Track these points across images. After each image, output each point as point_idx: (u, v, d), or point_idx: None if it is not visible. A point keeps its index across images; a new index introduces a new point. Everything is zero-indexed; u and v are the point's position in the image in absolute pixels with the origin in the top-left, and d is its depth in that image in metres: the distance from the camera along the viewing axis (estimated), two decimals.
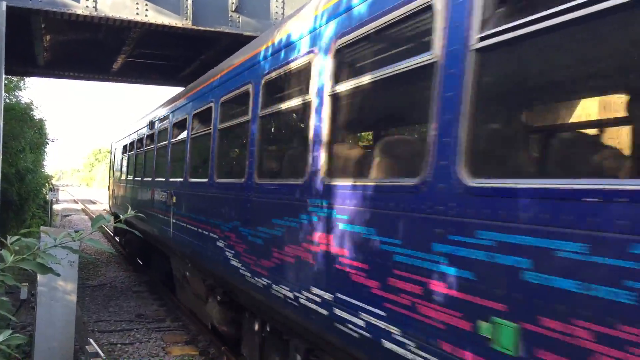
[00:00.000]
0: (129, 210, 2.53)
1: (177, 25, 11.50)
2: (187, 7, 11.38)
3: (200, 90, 9.07)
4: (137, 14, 11.11)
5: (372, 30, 4.14)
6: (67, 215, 39.88)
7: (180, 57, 16.16)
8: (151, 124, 13.21)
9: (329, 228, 4.40)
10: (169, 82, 19.35)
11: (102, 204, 49.39)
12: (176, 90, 13.89)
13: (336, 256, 4.25)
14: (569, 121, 4.75)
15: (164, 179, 11.38)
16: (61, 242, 2.46)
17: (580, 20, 2.53)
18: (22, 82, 22.79)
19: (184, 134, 10.16)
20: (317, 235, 4.58)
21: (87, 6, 10.72)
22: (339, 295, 4.20)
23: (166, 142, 11.42)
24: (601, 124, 4.57)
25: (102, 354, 7.87)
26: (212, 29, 11.84)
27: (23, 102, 22.70)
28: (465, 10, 3.13)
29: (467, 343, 2.98)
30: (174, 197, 10.18)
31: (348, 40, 4.39)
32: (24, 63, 16.92)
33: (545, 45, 3.16)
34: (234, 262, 6.67)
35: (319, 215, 4.57)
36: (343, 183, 4.32)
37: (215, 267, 7.56)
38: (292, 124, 6.73)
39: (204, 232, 7.99)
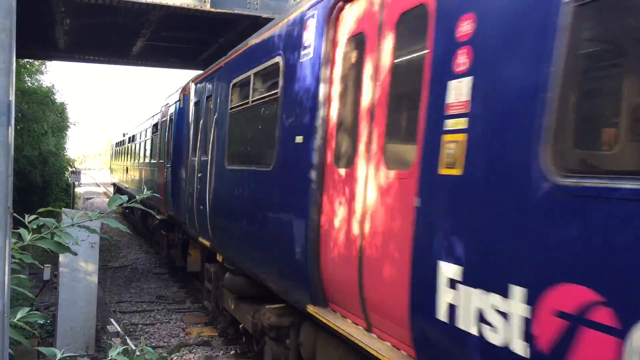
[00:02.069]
0: (145, 191, 2.53)
1: (195, 8, 11.47)
2: None
3: None
4: None
5: None
6: (90, 199, 40.41)
7: (199, 40, 16.14)
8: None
9: None
10: (187, 65, 19.38)
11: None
12: (194, 73, 13.85)
13: None
14: None
15: None
16: (78, 222, 2.47)
17: None
18: (43, 66, 23.01)
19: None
20: None
21: None
22: None
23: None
24: None
25: (123, 334, 7.99)
26: (231, 12, 11.80)
27: (45, 85, 22.94)
28: None
29: None
30: None
31: None
32: (45, 47, 17.05)
33: None
34: None
35: None
36: None
37: None
38: None
39: None
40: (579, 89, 2.86)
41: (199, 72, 10.91)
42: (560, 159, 2.66)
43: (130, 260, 16.41)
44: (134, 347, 2.90)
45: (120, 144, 28.07)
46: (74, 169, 29.25)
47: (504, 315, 2.83)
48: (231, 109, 7.65)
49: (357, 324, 4.44)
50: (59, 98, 25.05)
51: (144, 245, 19.35)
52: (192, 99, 10.69)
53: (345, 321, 4.55)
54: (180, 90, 12.21)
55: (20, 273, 2.58)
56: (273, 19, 7.26)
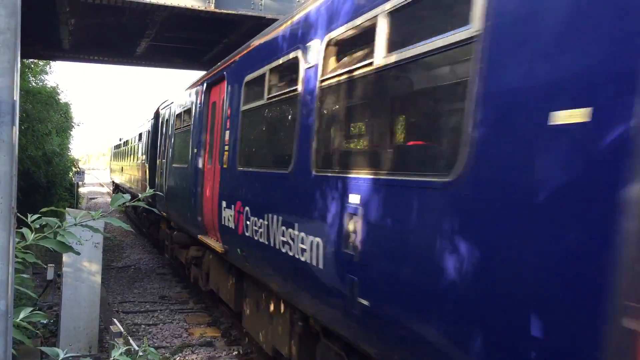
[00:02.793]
0: (148, 189, 2.52)
1: (200, 9, 11.48)
2: None
3: None
4: None
5: None
6: (93, 198, 40.50)
7: (203, 40, 16.16)
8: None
9: None
10: (191, 66, 19.39)
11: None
12: (199, 74, 13.88)
13: None
14: None
15: None
16: (81, 221, 2.46)
17: None
18: (47, 66, 23.06)
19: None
20: None
21: None
22: None
23: None
24: None
25: (126, 334, 7.99)
26: (235, 12, 11.80)
27: (49, 86, 22.99)
28: None
29: None
30: None
31: None
32: (50, 47, 17.09)
33: None
34: None
35: None
36: None
37: None
38: None
39: None
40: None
41: (203, 72, 10.98)
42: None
43: (133, 260, 16.43)
44: (136, 348, 2.89)
45: (117, 147, 34.62)
46: (78, 169, 29.31)
47: (232, 215, 7.28)
48: (176, 129, 12.22)
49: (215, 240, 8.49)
50: (63, 98, 25.12)
51: (147, 245, 19.37)
52: (160, 119, 15.35)
53: (211, 238, 8.75)
54: (154, 111, 16.94)
55: (23, 273, 2.57)
56: (277, 19, 7.25)
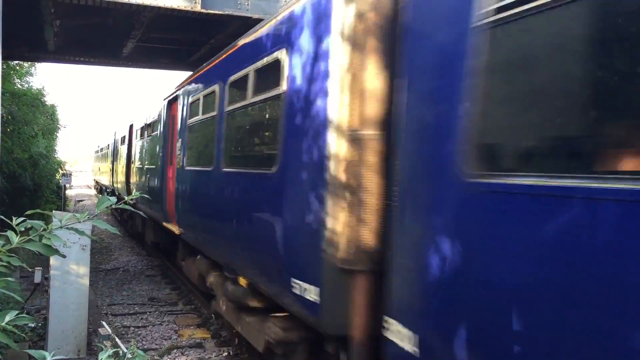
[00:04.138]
0: (134, 192, 2.52)
1: (186, 9, 11.43)
2: None
3: None
4: None
5: None
6: (81, 201, 40.21)
7: (190, 41, 16.09)
8: None
9: None
10: (178, 66, 19.31)
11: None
12: (185, 74, 13.85)
13: None
14: None
15: None
16: (67, 224, 2.45)
17: None
18: (33, 67, 22.87)
19: None
20: None
21: None
22: None
23: None
24: None
25: (115, 337, 7.95)
26: (221, 13, 11.76)
27: (35, 88, 22.80)
28: None
29: None
30: None
31: None
32: (35, 48, 16.94)
33: None
34: None
35: None
36: None
37: None
38: None
39: None
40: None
41: (190, 72, 10.99)
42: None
43: (122, 263, 16.34)
44: (125, 350, 2.88)
45: (97, 152, 44.11)
46: (65, 172, 29.10)
47: (182, 204, 10.41)
48: (148, 136, 15.27)
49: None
50: (49, 100, 24.93)
51: (136, 247, 19.27)
52: (134, 129, 19.02)
53: (174, 225, 10.71)
54: (128, 125, 20.58)
55: (8, 276, 2.55)
56: (263, 19, 7.31)
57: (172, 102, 11.96)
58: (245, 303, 6.71)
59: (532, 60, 2.94)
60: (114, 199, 2.49)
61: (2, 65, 10.29)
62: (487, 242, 2.99)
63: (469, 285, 3.13)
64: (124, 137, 21.22)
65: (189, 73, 11.28)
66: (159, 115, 13.38)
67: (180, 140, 10.45)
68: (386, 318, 3.88)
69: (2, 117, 14.85)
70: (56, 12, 12.99)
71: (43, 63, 22.21)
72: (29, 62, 22.21)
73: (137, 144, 17.45)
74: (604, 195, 2.41)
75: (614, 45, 2.58)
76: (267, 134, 6.47)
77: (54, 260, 7.94)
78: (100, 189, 37.67)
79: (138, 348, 5.38)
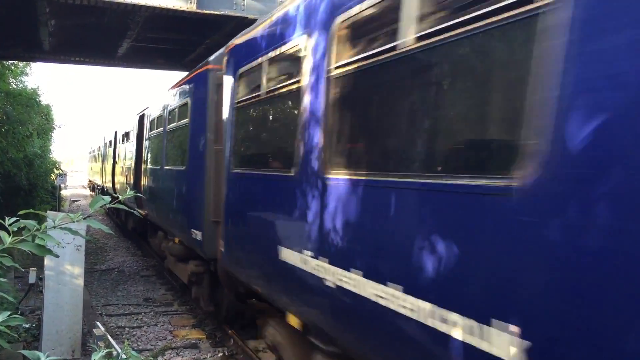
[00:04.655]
0: (128, 190, 2.51)
1: (182, 9, 11.40)
2: None
3: None
4: None
5: None
6: (76, 201, 40.10)
7: (186, 41, 16.06)
8: None
9: None
10: (174, 66, 19.27)
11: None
12: (181, 75, 13.85)
13: None
14: None
15: None
16: (60, 224, 2.44)
17: None
18: (28, 67, 22.79)
19: None
20: None
21: None
22: None
23: None
24: None
25: (109, 337, 7.92)
26: (217, 12, 11.74)
27: (30, 87, 22.73)
28: None
29: None
30: None
31: None
32: (30, 48, 16.88)
33: None
34: None
35: None
36: None
37: None
38: None
39: None
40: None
41: (186, 73, 10.98)
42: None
43: (117, 263, 16.29)
44: (119, 350, 2.87)
45: (90, 152, 47.52)
46: (60, 172, 29.01)
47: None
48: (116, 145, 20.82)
49: None
50: (44, 100, 24.84)
51: (131, 247, 19.23)
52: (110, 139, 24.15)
53: (143, 210, 13.83)
54: (113, 132, 23.80)
55: (1, 277, 2.54)
56: (258, 19, 7.32)
57: (142, 117, 15.74)
58: (177, 253, 10.61)
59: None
60: (107, 198, 2.48)
61: None
62: (233, 190, 7.04)
63: (229, 208, 7.18)
64: (111, 140, 24.80)
65: (185, 73, 11.26)
66: (133, 127, 17.45)
67: (148, 145, 14.18)
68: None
69: None
70: (51, 12, 12.95)
71: (38, 63, 22.11)
72: (24, 62, 22.12)
73: (120, 147, 21.15)
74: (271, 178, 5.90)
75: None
76: (182, 149, 10.19)
77: (48, 261, 7.92)
78: (93, 187, 41.36)
79: (133, 349, 5.35)
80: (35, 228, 2.38)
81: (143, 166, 14.71)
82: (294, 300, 5.13)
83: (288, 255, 4.98)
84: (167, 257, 11.77)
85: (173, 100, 11.42)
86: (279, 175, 5.56)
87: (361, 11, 4.02)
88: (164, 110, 12.38)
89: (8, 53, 16.63)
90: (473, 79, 3.22)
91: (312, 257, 4.49)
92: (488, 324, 2.65)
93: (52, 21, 13.87)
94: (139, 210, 14.11)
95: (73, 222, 2.46)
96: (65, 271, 7.97)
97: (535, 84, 2.57)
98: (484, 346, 2.67)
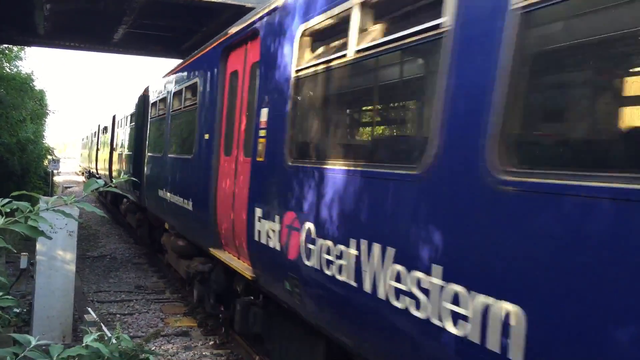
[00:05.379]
0: (122, 175, 2.50)
1: None
2: None
3: None
4: None
5: None
6: (69, 187, 39.93)
7: (182, 28, 16.00)
8: None
9: None
10: (170, 54, 19.20)
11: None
12: (176, 62, 13.79)
13: None
14: None
15: None
16: (53, 206, 2.42)
17: None
18: (22, 52, 22.63)
19: None
20: None
21: None
22: None
23: None
24: None
25: (100, 323, 7.92)
26: (214, 0, 11.69)
27: (24, 72, 22.57)
28: None
29: None
30: None
31: None
32: (24, 32, 16.77)
33: None
34: None
35: None
36: None
37: None
38: None
39: None
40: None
41: (180, 60, 10.92)
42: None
43: (109, 250, 16.26)
44: (110, 335, 2.87)
45: (83, 139, 48.17)
46: (53, 157, 28.88)
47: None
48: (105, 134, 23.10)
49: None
50: (38, 85, 24.69)
51: (123, 235, 19.19)
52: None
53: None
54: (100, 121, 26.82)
55: None
56: (255, 7, 7.17)
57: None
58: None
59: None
60: (101, 182, 2.46)
61: None
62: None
63: (149, 180, 11.88)
64: (106, 127, 23.85)
65: (180, 61, 11.20)
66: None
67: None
68: None
69: None
70: None
71: (33, 47, 21.95)
72: (18, 46, 21.96)
73: (118, 132, 19.81)
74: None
75: None
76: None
77: (40, 246, 7.88)
78: (90, 174, 39.92)
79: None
80: (28, 210, 2.36)
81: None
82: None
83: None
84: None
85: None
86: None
87: None
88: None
89: (2, 36, 16.52)
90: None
91: None
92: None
93: (48, 5, 13.76)
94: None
95: (66, 204, 2.45)
96: (57, 257, 7.94)
97: (193, 128, 7.10)
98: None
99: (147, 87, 13.84)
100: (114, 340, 2.79)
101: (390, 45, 3.84)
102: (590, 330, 2.34)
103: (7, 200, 2.34)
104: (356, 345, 4.27)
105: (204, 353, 8.15)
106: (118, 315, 9.83)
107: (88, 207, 2.38)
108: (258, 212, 5.76)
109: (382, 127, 5.66)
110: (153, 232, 13.98)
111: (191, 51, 11.41)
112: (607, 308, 2.28)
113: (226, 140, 7.38)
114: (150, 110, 13.16)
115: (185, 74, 9.83)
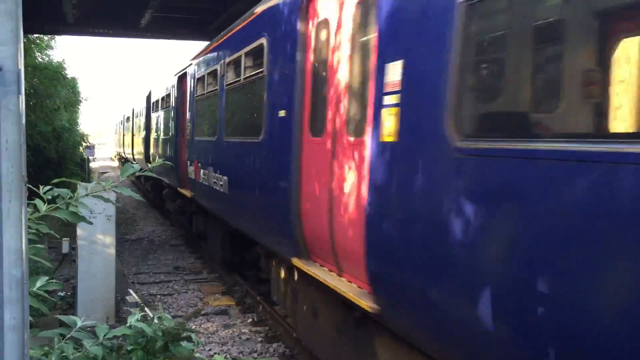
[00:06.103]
0: (157, 160, 2.53)
1: None
2: None
3: None
4: None
5: None
6: (105, 172, 40.71)
7: (208, 10, 16.01)
8: None
9: None
10: (196, 36, 19.24)
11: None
12: (203, 44, 13.82)
13: None
14: None
15: None
16: (92, 192, 2.48)
17: None
18: (53, 41, 22.96)
19: None
20: None
21: None
22: None
23: None
24: None
25: (142, 304, 8.11)
26: None
27: (55, 61, 22.92)
28: None
29: None
30: None
31: None
32: (54, 21, 17.01)
33: None
34: None
35: None
36: None
37: None
38: None
39: None
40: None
41: (207, 42, 10.91)
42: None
43: (146, 233, 16.59)
44: (152, 315, 2.94)
45: (118, 125, 47.26)
46: (88, 144, 29.41)
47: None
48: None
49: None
50: (69, 73, 25.07)
51: (159, 217, 19.53)
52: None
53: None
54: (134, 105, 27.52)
55: (37, 244, 2.61)
56: None
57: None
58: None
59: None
60: (137, 167, 2.51)
61: (22, 39, 10.31)
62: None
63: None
64: (141, 110, 23.27)
65: (207, 43, 11.19)
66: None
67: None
68: None
69: (25, 90, 14.97)
70: None
71: (62, 36, 22.24)
72: (49, 36, 22.29)
73: (154, 116, 19.09)
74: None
75: None
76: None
77: (80, 231, 8.09)
78: (125, 159, 40.73)
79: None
80: (68, 196, 2.42)
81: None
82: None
83: None
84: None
85: None
86: None
87: None
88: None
89: (32, 27, 16.77)
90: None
91: None
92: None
93: None
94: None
95: (105, 190, 2.50)
96: (97, 241, 8.14)
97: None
98: None
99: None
100: (156, 320, 2.86)
101: None
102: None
103: (48, 187, 2.41)
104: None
105: (242, 330, 8.30)
106: (158, 296, 10.07)
107: (126, 191, 2.43)
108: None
109: None
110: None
111: (217, 32, 11.39)
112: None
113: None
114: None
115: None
